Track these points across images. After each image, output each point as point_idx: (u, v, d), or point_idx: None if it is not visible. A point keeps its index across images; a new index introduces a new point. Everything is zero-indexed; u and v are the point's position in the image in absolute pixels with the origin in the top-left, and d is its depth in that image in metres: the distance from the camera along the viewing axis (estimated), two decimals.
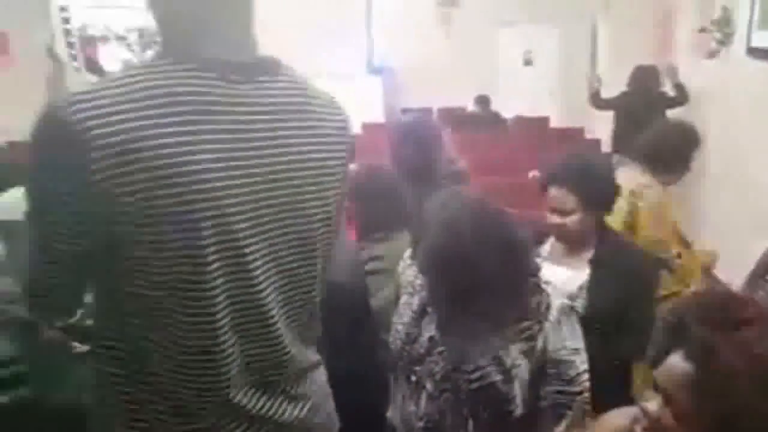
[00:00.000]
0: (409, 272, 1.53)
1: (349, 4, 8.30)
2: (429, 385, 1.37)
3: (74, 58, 6.25)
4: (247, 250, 0.91)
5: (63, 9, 6.90)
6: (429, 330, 1.39)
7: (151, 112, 0.82)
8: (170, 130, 0.82)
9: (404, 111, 7.41)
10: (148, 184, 0.81)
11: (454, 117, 6.71)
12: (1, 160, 3.55)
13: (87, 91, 0.82)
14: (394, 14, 8.31)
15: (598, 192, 1.75)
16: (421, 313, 1.42)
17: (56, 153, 0.81)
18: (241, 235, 0.90)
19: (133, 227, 0.83)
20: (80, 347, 2.10)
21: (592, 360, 1.41)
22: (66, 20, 6.88)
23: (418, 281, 1.45)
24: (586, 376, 1.39)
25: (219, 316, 0.91)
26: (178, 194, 0.83)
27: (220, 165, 0.86)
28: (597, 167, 1.80)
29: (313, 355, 1.12)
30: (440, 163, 2.47)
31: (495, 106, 6.92)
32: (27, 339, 2.22)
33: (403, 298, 1.49)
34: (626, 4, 6.51)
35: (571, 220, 1.74)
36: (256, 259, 0.93)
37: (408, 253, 1.59)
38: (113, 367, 0.97)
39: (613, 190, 1.80)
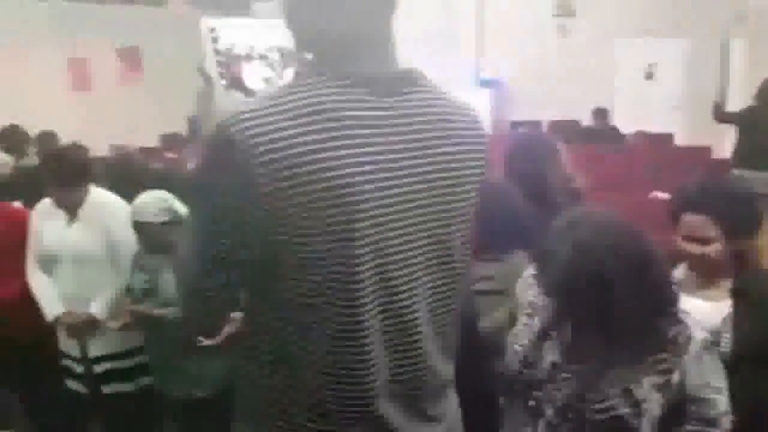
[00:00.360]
0: (530, 292, 1.47)
1: (459, 16, 8.29)
2: (549, 412, 1.31)
3: (222, 76, 6.77)
4: (398, 258, 0.94)
5: (212, 30, 7.50)
6: (551, 355, 1.33)
7: (312, 127, 0.86)
8: (330, 144, 0.86)
9: (514, 124, 7.25)
10: (310, 197, 0.85)
11: (568, 131, 6.48)
12: (134, 165, 3.83)
13: (252, 109, 0.87)
14: (506, 25, 8.19)
15: (743, 220, 1.61)
16: (542, 337, 1.36)
17: (224, 168, 0.86)
18: (393, 242, 0.93)
19: (294, 237, 0.87)
20: (205, 341, 2.21)
21: (734, 401, 1.28)
22: (215, 40, 7.48)
23: (541, 303, 1.39)
24: (729, 417, 1.26)
25: (367, 324, 0.93)
26: (338, 205, 0.86)
27: (374, 176, 0.89)
28: (739, 192, 1.66)
29: (450, 372, 1.10)
30: (556, 179, 2.37)
31: (613, 120, 6.61)
32: (151, 332, 2.37)
33: (523, 319, 1.44)
34: (765, 15, 6.01)
35: (713, 249, 1.60)
36: (405, 268, 0.95)
37: (529, 272, 1.53)
38: (263, 370, 1.00)
39: (757, 217, 1.64)
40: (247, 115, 0.85)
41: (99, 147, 4.68)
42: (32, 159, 4.08)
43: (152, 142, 6.19)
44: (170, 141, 5.08)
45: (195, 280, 0.96)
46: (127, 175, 3.25)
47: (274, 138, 0.84)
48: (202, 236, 0.93)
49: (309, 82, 0.91)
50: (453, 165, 0.98)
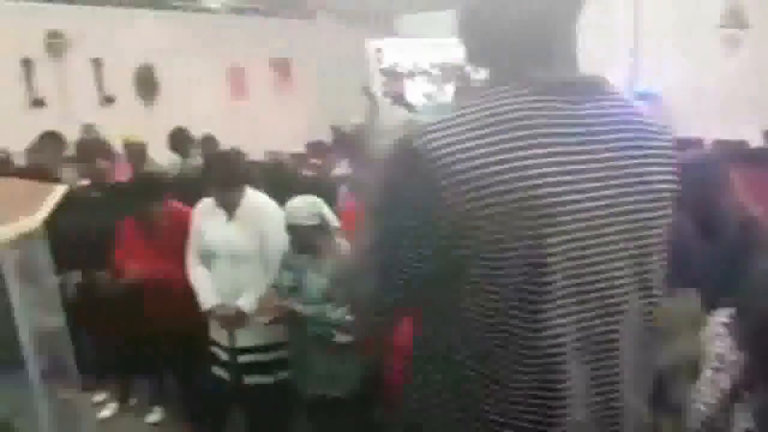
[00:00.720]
0: (718, 343, 1.30)
1: (613, 23, 7.86)
2: None
3: (386, 94, 7.04)
4: (594, 278, 0.86)
5: (378, 50, 7.89)
6: (744, 418, 1.15)
7: (498, 137, 0.82)
8: (518, 154, 0.82)
9: (680, 143, 6.72)
10: (498, 209, 0.81)
11: (734, 152, 5.88)
12: (286, 170, 4.05)
13: (436, 122, 0.84)
14: (665, 35, 7.65)
15: None
16: (733, 397, 1.19)
17: (408, 182, 0.85)
18: (589, 260, 0.86)
19: (479, 252, 0.83)
20: (341, 338, 2.25)
21: None
22: (380, 60, 7.87)
23: (733, 357, 1.22)
24: None
25: (558, 350, 0.85)
26: (527, 218, 0.81)
27: (567, 188, 0.83)
28: None
29: (642, 408, 1.00)
30: (730, 208, 2.14)
31: None
32: (293, 328, 2.46)
33: (708, 374, 1.27)
34: None
35: None
36: (602, 290, 0.87)
37: (718, 319, 1.36)
38: (433, 387, 0.96)
39: None
40: (430, 128, 0.83)
41: (251, 150, 4.96)
42: (196, 160, 4.42)
43: (299, 148, 6.51)
44: (315, 148, 5.31)
45: (372, 294, 0.94)
46: (279, 179, 3.43)
47: (459, 149, 0.81)
48: (383, 250, 0.91)
49: (494, 91, 0.87)
50: (651, 179, 0.90)
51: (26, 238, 1.54)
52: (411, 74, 7.95)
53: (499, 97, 0.85)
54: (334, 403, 2.39)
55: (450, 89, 7.25)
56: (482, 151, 0.81)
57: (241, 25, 8.45)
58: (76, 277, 3.06)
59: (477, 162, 0.81)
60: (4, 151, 4.63)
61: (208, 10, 7.36)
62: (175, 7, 7.55)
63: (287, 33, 8.99)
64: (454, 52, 7.62)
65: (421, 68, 8.04)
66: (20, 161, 4.15)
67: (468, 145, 0.81)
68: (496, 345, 0.86)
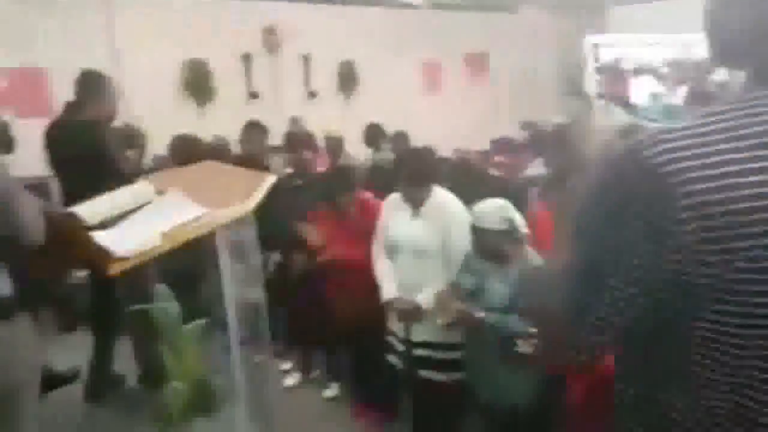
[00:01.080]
0: None
1: None
2: None
3: (601, 93, 6.57)
4: None
5: (595, 46, 7.47)
6: None
7: (747, 154, 0.70)
8: None
9: None
10: (746, 241, 0.69)
11: None
12: (473, 169, 4.00)
13: (672, 129, 0.75)
14: None
15: None
16: None
17: (634, 193, 0.75)
18: None
19: (717, 284, 0.72)
20: (522, 347, 2.17)
21: None
22: (596, 56, 7.45)
23: None
24: None
25: None
26: None
27: None
28: None
29: None
30: None
31: None
32: (471, 332, 2.43)
33: None
34: None
35: None
36: None
37: None
38: (626, 411, 0.88)
39: None
40: (667, 136, 0.74)
41: (440, 146, 5.00)
42: (386, 154, 4.57)
43: (487, 144, 6.43)
44: (500, 145, 5.17)
45: (578, 311, 0.83)
46: (465, 177, 3.42)
47: (706, 164, 0.70)
48: (588, 269, 0.81)
49: (743, 99, 0.74)
50: None
51: (238, 221, 1.70)
52: (637, 72, 7.20)
53: (751, 107, 0.72)
54: (505, 414, 2.32)
55: (682, 91, 6.33)
56: (732, 168, 0.69)
57: (441, 21, 8.52)
58: (276, 257, 3.36)
59: (731, 181, 0.69)
60: (223, 139, 5.17)
61: (410, 6, 7.52)
62: (379, 4, 7.83)
63: (487, 27, 8.88)
64: (688, 48, 6.75)
65: (648, 66, 7.24)
66: (235, 149, 4.62)
67: (719, 159, 0.70)
68: (728, 393, 0.74)
